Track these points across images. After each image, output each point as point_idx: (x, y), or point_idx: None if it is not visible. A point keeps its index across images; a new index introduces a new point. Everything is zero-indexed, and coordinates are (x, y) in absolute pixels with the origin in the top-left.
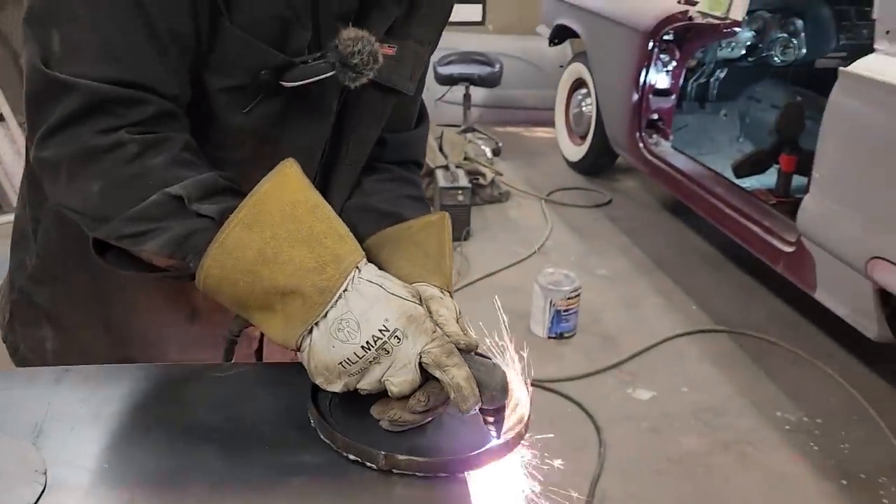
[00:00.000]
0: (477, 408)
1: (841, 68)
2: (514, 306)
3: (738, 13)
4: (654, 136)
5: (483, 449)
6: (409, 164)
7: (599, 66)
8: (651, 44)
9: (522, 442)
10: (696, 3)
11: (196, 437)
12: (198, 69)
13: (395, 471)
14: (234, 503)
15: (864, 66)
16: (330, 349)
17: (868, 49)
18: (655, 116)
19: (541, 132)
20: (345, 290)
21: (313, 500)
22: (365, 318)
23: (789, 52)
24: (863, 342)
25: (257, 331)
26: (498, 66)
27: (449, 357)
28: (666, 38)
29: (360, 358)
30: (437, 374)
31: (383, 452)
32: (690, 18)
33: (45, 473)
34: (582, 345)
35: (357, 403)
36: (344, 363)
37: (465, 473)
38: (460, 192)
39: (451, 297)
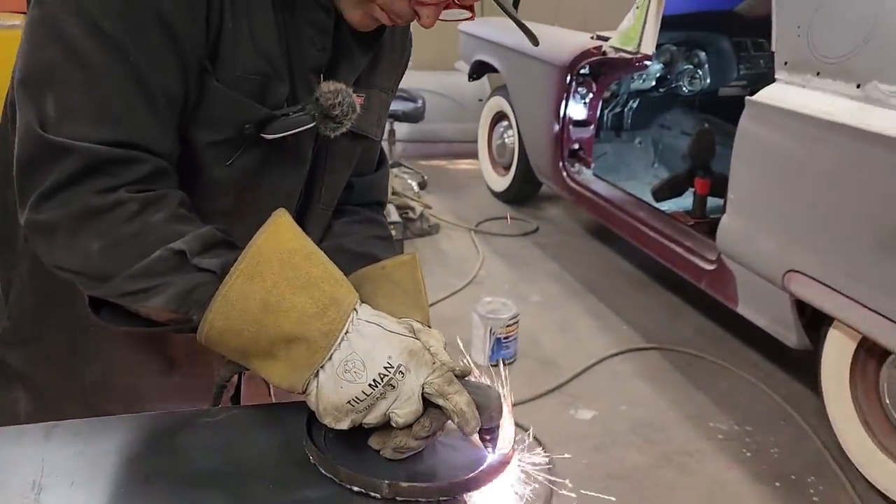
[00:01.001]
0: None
1: (747, 97)
2: (453, 336)
3: (648, 47)
4: (577, 164)
5: (479, 470)
6: (374, 205)
7: (520, 99)
8: (568, 78)
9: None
10: (609, 38)
11: (197, 482)
12: (185, 126)
13: (398, 498)
14: None
15: (767, 94)
16: (338, 390)
17: (764, 77)
18: (576, 146)
19: (464, 164)
20: (346, 333)
21: None
22: (370, 357)
23: (695, 83)
24: (783, 351)
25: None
26: (420, 101)
27: (450, 385)
28: (582, 71)
29: (368, 395)
30: (441, 402)
31: (387, 481)
32: (604, 53)
33: None
34: (523, 370)
35: (351, 437)
36: (352, 402)
37: (465, 495)
38: (392, 227)
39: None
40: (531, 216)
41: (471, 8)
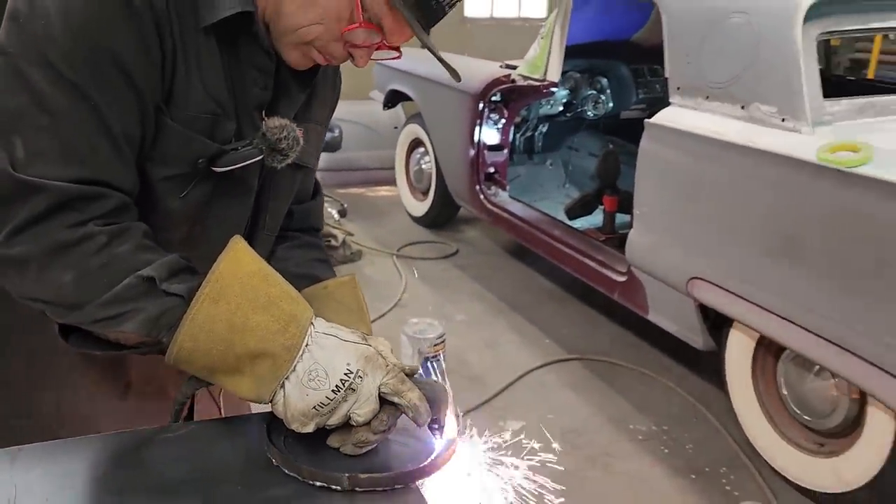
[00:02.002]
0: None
1: (646, 120)
2: None
3: (554, 75)
4: (493, 187)
5: (429, 460)
6: (312, 230)
7: (435, 126)
8: (481, 105)
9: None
10: (517, 67)
11: (169, 490)
12: (142, 162)
13: (357, 489)
14: None
15: (663, 116)
16: (304, 397)
17: (661, 100)
18: (492, 169)
19: (383, 191)
20: (307, 345)
21: None
22: (331, 366)
23: (599, 107)
24: (692, 354)
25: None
26: (337, 130)
27: (403, 384)
28: (494, 99)
29: (332, 400)
30: (396, 399)
31: (347, 474)
32: (513, 81)
33: None
34: (452, 387)
35: (307, 440)
36: (318, 407)
37: (418, 483)
38: None
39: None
40: (451, 239)
41: (398, 48)
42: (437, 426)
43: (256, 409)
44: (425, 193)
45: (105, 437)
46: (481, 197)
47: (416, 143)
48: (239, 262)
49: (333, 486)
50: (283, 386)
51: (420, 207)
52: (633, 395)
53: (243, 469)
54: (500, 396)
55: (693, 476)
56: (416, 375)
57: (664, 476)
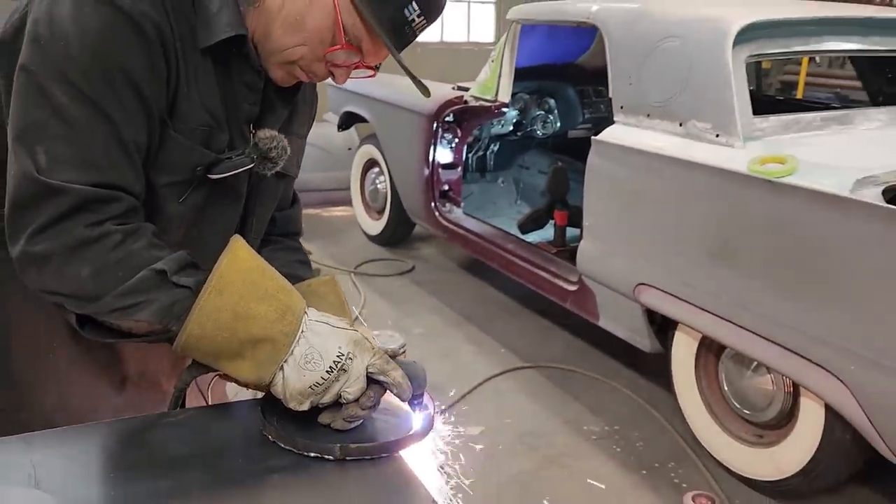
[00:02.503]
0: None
1: (593, 137)
2: None
3: (505, 96)
4: (447, 204)
5: (410, 432)
6: (293, 235)
7: (390, 147)
8: (435, 125)
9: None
10: (469, 89)
11: (176, 464)
12: (147, 170)
13: (348, 458)
14: (238, 499)
15: (608, 134)
16: (301, 378)
17: (606, 120)
18: (446, 187)
19: (338, 211)
20: (302, 332)
21: (295, 488)
22: (325, 349)
23: (548, 126)
24: (641, 358)
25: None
26: None
27: (388, 364)
28: (447, 119)
29: (326, 380)
30: (382, 378)
31: (338, 445)
32: (465, 102)
33: None
34: None
35: (296, 419)
36: (313, 386)
37: (401, 452)
38: None
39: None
40: (407, 256)
41: (374, 67)
42: (417, 401)
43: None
44: (380, 212)
45: (111, 423)
46: (436, 214)
47: (370, 164)
48: (239, 258)
49: (326, 456)
50: (281, 368)
51: (376, 226)
52: (587, 399)
53: (242, 446)
54: (459, 404)
55: (644, 471)
56: (398, 357)
57: (617, 472)
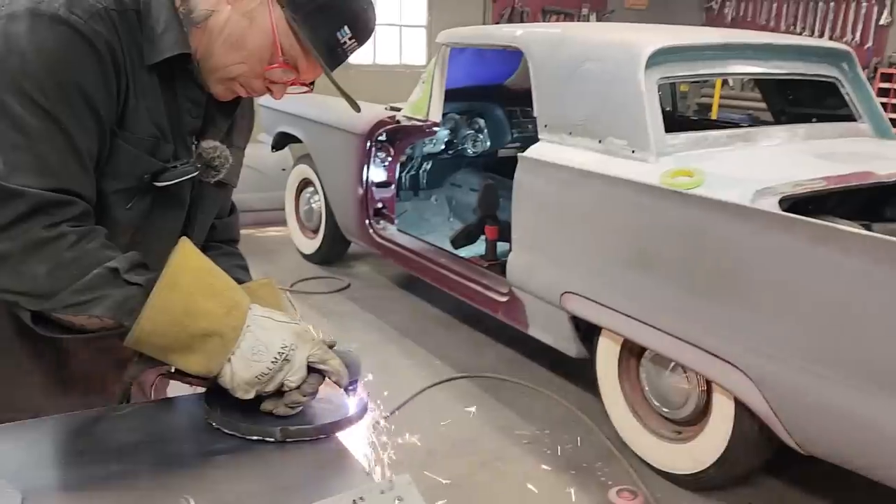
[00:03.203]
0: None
1: (519, 154)
2: None
3: (436, 115)
4: (382, 222)
5: (348, 415)
6: (231, 242)
7: (325, 166)
8: (368, 144)
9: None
10: (401, 109)
11: (126, 451)
12: (96, 177)
13: (288, 440)
14: (186, 479)
15: (534, 151)
16: (248, 369)
17: (533, 139)
18: (380, 205)
19: (272, 231)
20: (248, 326)
21: (242, 467)
22: (270, 342)
23: (478, 145)
24: (567, 366)
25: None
26: None
27: (327, 353)
28: (380, 138)
29: (271, 370)
30: (321, 367)
31: (279, 427)
32: (398, 122)
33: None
34: None
35: (239, 407)
36: (259, 376)
37: (338, 434)
38: None
39: None
40: (342, 274)
41: (309, 84)
42: (352, 387)
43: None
44: (315, 231)
45: (60, 418)
46: (371, 231)
47: (305, 184)
48: (188, 258)
49: (268, 439)
50: (229, 360)
51: (311, 245)
52: (518, 406)
53: (188, 433)
54: (396, 414)
55: (573, 472)
56: (335, 348)
57: (549, 474)
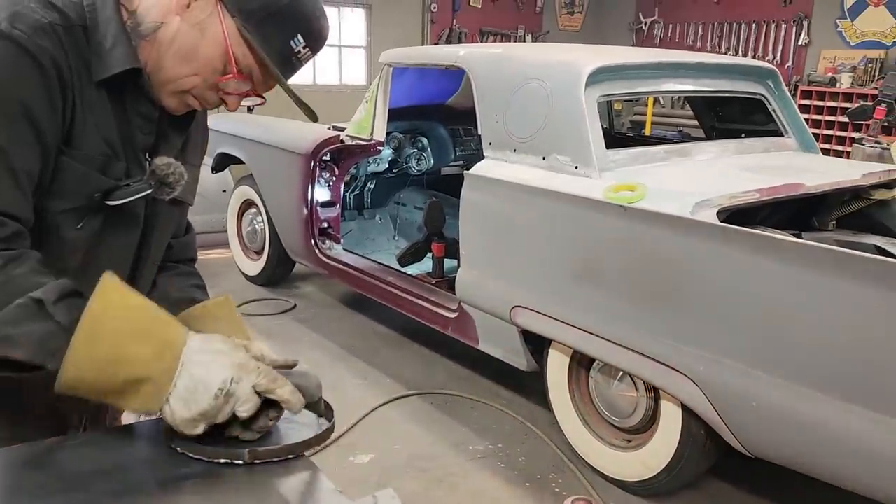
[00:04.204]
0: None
1: (465, 171)
2: None
3: (380, 135)
4: (327, 241)
5: (315, 435)
6: (188, 261)
7: (268, 187)
8: (312, 164)
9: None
10: (344, 129)
11: (88, 479)
12: (43, 196)
13: (256, 461)
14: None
15: (479, 168)
16: (189, 409)
17: (475, 156)
18: (325, 225)
19: (214, 254)
20: (183, 364)
21: (211, 493)
22: (207, 379)
23: (422, 164)
24: (517, 381)
25: None
26: None
27: (274, 383)
28: (324, 158)
29: (212, 406)
30: (270, 396)
31: (247, 450)
32: (342, 141)
33: None
34: None
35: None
36: (201, 414)
37: (307, 453)
38: None
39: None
40: (287, 295)
41: (262, 95)
42: (313, 409)
43: None
44: (259, 253)
45: (16, 448)
46: (317, 251)
47: (247, 205)
48: (110, 298)
49: (235, 462)
50: (167, 401)
51: (254, 267)
52: (470, 421)
53: (151, 460)
54: (348, 434)
55: (527, 483)
56: (293, 369)
57: (502, 487)
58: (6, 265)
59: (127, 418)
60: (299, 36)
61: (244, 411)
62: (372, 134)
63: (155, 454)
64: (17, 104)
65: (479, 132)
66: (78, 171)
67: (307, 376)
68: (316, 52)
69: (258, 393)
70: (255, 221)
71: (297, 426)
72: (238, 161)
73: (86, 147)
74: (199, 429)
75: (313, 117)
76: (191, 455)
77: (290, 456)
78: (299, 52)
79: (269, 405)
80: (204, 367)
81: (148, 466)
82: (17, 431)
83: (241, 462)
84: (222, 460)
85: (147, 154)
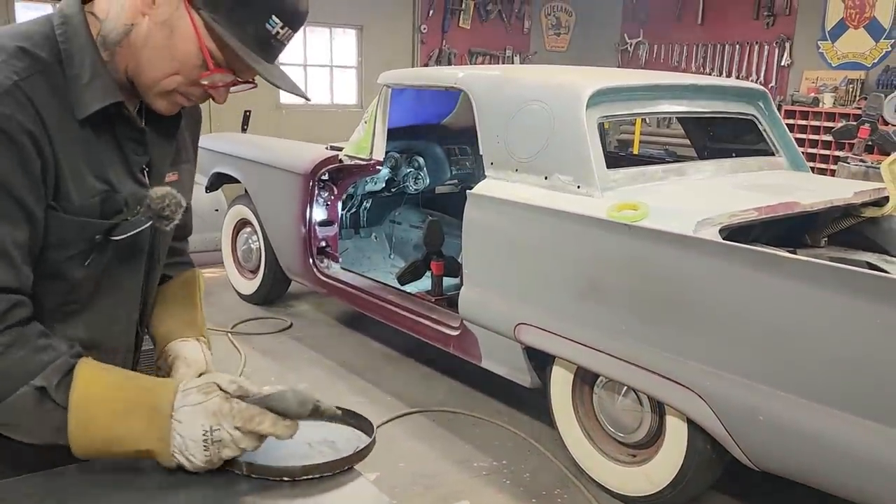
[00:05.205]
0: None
1: (468, 191)
2: None
3: (379, 154)
4: (325, 260)
5: (362, 447)
6: (181, 239)
7: (265, 206)
8: (311, 184)
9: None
10: (341, 149)
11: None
12: (43, 250)
13: (253, 475)
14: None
15: (482, 187)
16: (191, 461)
17: (471, 175)
18: (324, 244)
19: (209, 273)
20: (173, 426)
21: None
22: (192, 434)
23: (419, 183)
24: (518, 397)
25: None
26: None
27: (251, 421)
28: (323, 178)
29: (209, 454)
30: (254, 434)
31: (245, 461)
32: (340, 161)
33: None
34: None
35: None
36: (206, 462)
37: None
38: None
39: (205, 340)
40: (283, 314)
41: (251, 80)
42: (312, 418)
43: None
44: (254, 272)
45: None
46: (315, 270)
47: (242, 224)
48: (88, 385)
49: (237, 471)
50: (174, 457)
51: (249, 286)
52: (473, 438)
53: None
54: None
55: (533, 500)
56: (269, 394)
57: (509, 503)
58: (6, 351)
59: None
60: (274, 17)
61: (248, 447)
62: (371, 154)
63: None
64: None
65: (481, 152)
66: (74, 221)
67: (283, 396)
68: (296, 30)
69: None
70: (250, 240)
71: (342, 441)
72: (232, 180)
73: (79, 195)
74: (217, 465)
75: (304, 96)
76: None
77: (285, 478)
78: (277, 33)
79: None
80: (186, 425)
81: (197, 484)
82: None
83: (238, 472)
84: (268, 477)
85: (145, 167)
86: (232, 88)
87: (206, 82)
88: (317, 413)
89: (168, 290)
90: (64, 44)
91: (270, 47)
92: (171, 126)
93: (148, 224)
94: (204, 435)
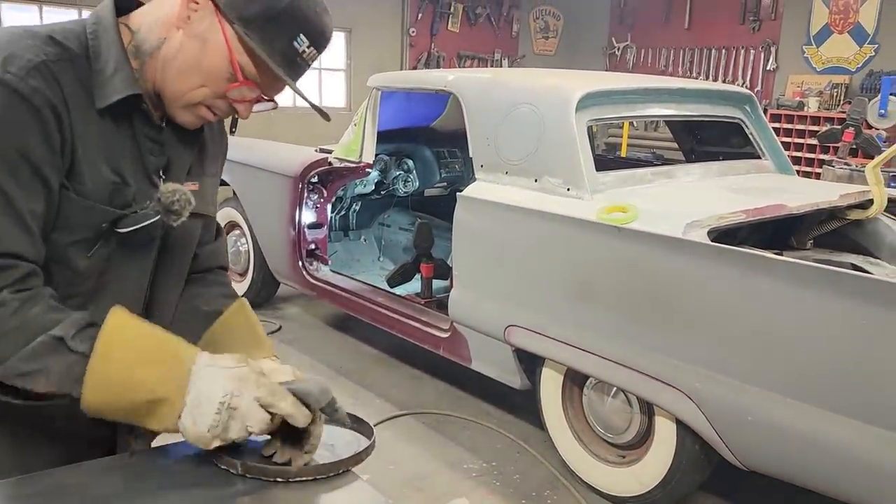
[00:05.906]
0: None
1: (458, 193)
2: None
3: (369, 157)
4: (315, 263)
5: (360, 450)
6: (217, 269)
7: (254, 209)
8: (300, 186)
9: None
10: (331, 151)
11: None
12: (50, 231)
13: (248, 475)
14: None
15: (472, 190)
16: (196, 423)
17: (460, 178)
18: (313, 246)
19: None
20: (192, 380)
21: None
22: (210, 393)
23: (409, 185)
24: (508, 400)
25: None
26: None
27: (274, 396)
28: (312, 180)
29: (219, 421)
30: (272, 410)
31: (240, 461)
32: (330, 164)
33: None
34: None
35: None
36: (210, 428)
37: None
38: None
39: (276, 359)
40: (272, 317)
41: (273, 99)
42: (328, 415)
43: None
44: (243, 274)
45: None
46: (304, 273)
47: (231, 227)
48: (117, 329)
49: (232, 471)
50: (180, 416)
51: (238, 288)
52: (463, 440)
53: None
54: None
55: (523, 501)
56: (295, 381)
57: (500, 503)
58: (22, 306)
59: (163, 439)
60: (302, 36)
61: (254, 426)
62: (361, 156)
63: (202, 473)
64: (14, 149)
65: (471, 155)
66: (83, 204)
67: (309, 384)
68: (321, 50)
69: (265, 408)
70: (238, 243)
71: (341, 444)
72: (221, 183)
73: (91, 180)
74: (213, 444)
75: (326, 118)
76: (235, 472)
77: (279, 479)
78: (304, 51)
79: (298, 440)
80: (208, 382)
81: (194, 485)
82: (44, 459)
83: (234, 471)
84: (262, 478)
85: (161, 172)
86: (254, 107)
87: (232, 95)
88: (332, 408)
89: (225, 321)
90: (93, 41)
91: (296, 65)
92: (190, 133)
93: (156, 218)
94: (223, 397)
